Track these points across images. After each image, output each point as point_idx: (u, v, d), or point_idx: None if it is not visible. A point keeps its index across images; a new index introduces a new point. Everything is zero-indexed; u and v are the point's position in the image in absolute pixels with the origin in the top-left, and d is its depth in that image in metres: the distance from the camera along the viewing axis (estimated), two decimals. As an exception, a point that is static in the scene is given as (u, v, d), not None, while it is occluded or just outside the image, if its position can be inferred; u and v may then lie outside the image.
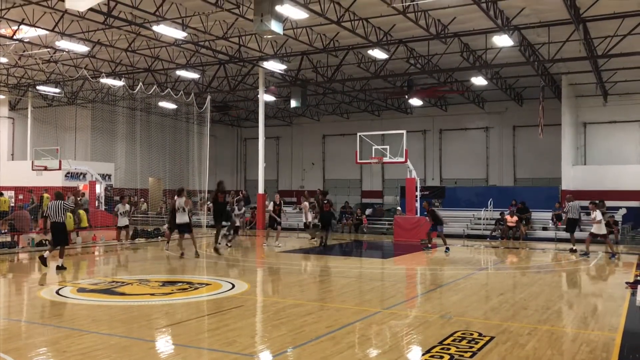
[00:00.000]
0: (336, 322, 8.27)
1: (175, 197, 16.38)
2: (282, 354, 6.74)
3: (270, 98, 31.89)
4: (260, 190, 27.91)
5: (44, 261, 13.14)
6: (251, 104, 35.60)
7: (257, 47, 23.46)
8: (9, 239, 18.43)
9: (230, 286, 11.25)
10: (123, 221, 19.52)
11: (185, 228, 16.37)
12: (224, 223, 17.71)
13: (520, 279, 13.73)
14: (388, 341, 7.45)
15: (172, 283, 11.56)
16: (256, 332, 8.12)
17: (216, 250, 16.77)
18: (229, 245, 18.40)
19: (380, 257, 18.03)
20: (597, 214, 17.04)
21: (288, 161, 42.17)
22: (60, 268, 13.09)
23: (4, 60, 25.18)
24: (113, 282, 11.70)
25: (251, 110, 37.70)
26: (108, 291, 10.65)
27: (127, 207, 19.84)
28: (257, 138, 28.58)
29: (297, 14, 17.56)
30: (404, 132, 22.05)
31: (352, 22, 19.81)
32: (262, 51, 23.86)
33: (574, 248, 18.32)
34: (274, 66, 25.66)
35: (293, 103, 28.86)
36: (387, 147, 22.89)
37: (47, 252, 13.50)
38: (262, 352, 7.02)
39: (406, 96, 29.56)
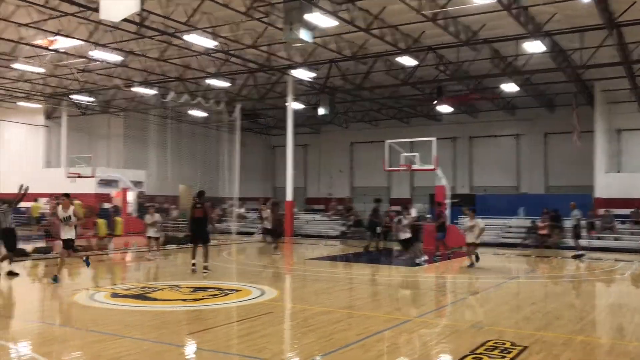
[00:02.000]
0: (366, 329, 8.23)
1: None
2: (312, 361, 6.76)
3: (299, 105, 32.01)
4: (289, 197, 28.01)
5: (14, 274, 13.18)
6: (280, 112, 35.84)
7: (286, 56, 23.62)
8: (44, 244, 18.84)
9: (260, 293, 11.30)
10: (151, 232, 18.66)
11: (68, 244, 12.72)
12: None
13: (553, 288, 13.49)
14: (418, 350, 7.40)
15: (203, 289, 11.67)
16: (286, 339, 8.15)
17: (194, 265, 14.13)
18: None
19: (409, 265, 17.87)
20: (477, 222, 15.86)
21: (316, 169, 42.26)
22: None
23: (41, 70, 25.83)
24: (145, 287, 11.86)
25: (279, 118, 37.94)
26: (140, 296, 10.79)
27: (156, 217, 18.83)
28: (286, 146, 28.72)
29: (326, 22, 17.64)
30: (434, 139, 21.90)
31: (381, 29, 19.80)
32: (291, 59, 24.01)
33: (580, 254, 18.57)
34: (303, 74, 25.77)
35: (321, 111, 28.93)
36: (417, 154, 22.76)
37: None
38: (292, 359, 7.03)
39: (435, 102, 29.35)
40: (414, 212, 18.32)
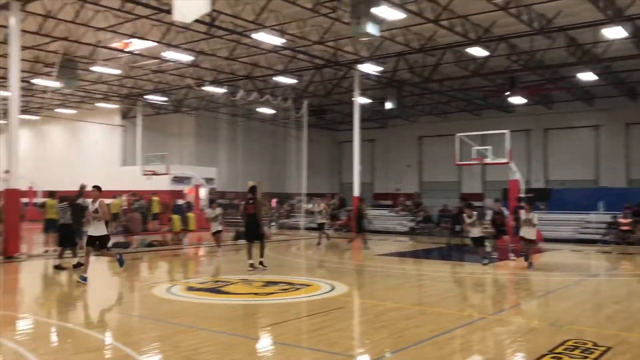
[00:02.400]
0: (438, 327, 8.08)
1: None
2: (384, 357, 6.69)
3: (365, 100, 31.89)
4: (356, 193, 27.95)
5: (78, 266, 13.48)
6: (346, 107, 35.80)
7: (353, 50, 23.53)
8: (122, 239, 19.64)
9: (330, 288, 11.32)
10: (214, 227, 18.51)
11: (95, 242, 11.76)
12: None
13: (638, 287, 12.81)
14: (493, 348, 7.20)
15: (274, 283, 11.82)
16: (357, 334, 8.12)
17: (251, 265, 13.68)
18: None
19: (482, 263, 17.47)
20: (531, 215, 14.77)
21: (383, 164, 41.97)
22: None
23: (117, 72, 26.91)
24: (218, 281, 12.15)
25: (346, 113, 37.91)
26: (214, 290, 11.06)
27: (217, 210, 18.70)
28: (352, 141, 28.65)
29: (393, 14, 17.43)
30: (507, 131, 21.24)
31: (450, 20, 19.39)
32: (358, 54, 23.90)
33: None
34: (369, 68, 25.59)
35: (388, 105, 28.64)
36: (489, 147, 22.16)
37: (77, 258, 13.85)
38: (364, 354, 7.00)
39: (507, 93, 28.46)
40: (505, 211, 17.21)
